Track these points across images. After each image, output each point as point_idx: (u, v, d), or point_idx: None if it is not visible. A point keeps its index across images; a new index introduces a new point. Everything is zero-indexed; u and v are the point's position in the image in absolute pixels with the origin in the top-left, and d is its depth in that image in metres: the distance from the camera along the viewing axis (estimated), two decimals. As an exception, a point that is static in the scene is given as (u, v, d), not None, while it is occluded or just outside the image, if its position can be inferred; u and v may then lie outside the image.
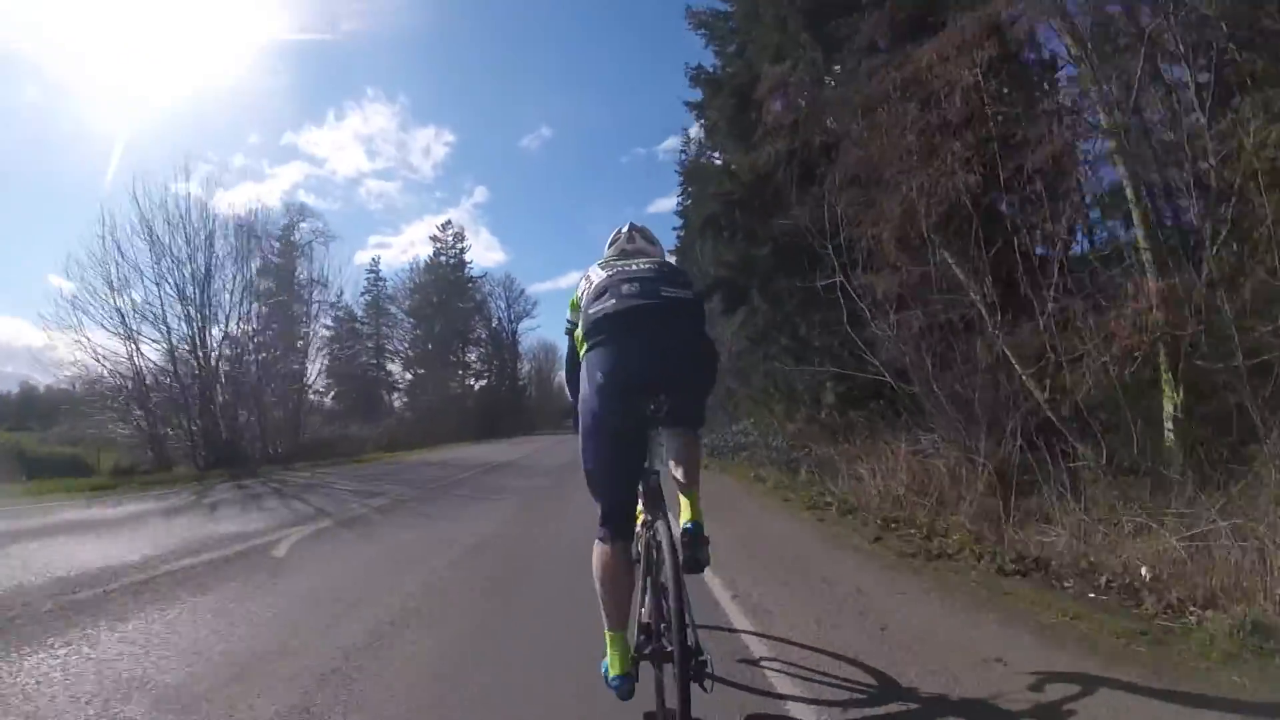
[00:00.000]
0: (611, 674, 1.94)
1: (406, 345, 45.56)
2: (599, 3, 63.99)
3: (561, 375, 2.79)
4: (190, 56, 36.00)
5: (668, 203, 70.37)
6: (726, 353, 13.19)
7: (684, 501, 2.24)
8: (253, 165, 51.76)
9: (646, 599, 2.04)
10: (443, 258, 48.85)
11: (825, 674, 2.61)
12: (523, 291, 55.48)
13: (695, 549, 2.09)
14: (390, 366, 45.02)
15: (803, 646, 2.91)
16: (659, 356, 1.91)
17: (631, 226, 2.49)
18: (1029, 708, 2.28)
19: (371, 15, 39.00)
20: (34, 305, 42.72)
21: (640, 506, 2.11)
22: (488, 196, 71.99)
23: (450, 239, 49.73)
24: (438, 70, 66.99)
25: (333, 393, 35.01)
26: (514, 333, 53.50)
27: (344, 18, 36.85)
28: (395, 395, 43.63)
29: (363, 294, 42.09)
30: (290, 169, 63.67)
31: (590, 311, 1.98)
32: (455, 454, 20.36)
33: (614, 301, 1.95)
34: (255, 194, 60.43)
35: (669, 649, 1.78)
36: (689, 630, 1.74)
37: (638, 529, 2.13)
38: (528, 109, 71.44)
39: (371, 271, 45.18)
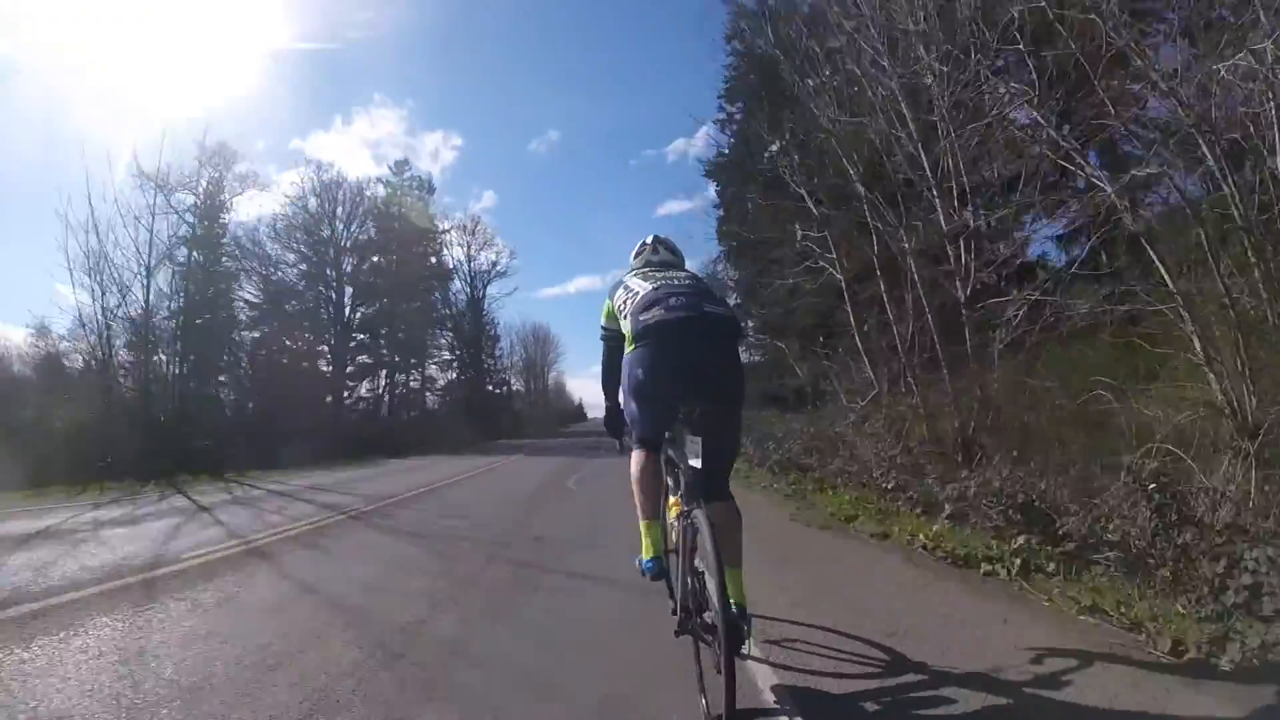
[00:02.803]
0: (645, 558, 2.25)
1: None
2: (607, 5, 65.76)
3: (596, 373, 2.86)
4: (194, 63, 34.75)
5: (677, 205, 73.52)
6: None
7: (728, 578, 2.07)
8: (258, 171, 49.34)
9: (684, 581, 2.22)
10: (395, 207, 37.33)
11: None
12: (491, 239, 43.34)
13: (737, 631, 2.02)
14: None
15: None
16: (696, 367, 2.20)
17: (655, 239, 2.76)
18: None
19: (378, 20, 37.86)
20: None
21: (676, 498, 2.37)
22: (496, 201, 72.24)
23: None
24: (445, 74, 67.43)
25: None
26: (481, 298, 41.18)
27: (350, 25, 35.12)
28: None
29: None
30: (297, 175, 61.16)
31: (640, 317, 2.26)
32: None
33: (663, 312, 2.23)
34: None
35: (710, 623, 2.01)
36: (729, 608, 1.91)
37: (672, 520, 2.40)
38: (536, 112, 73.24)
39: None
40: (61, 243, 16.95)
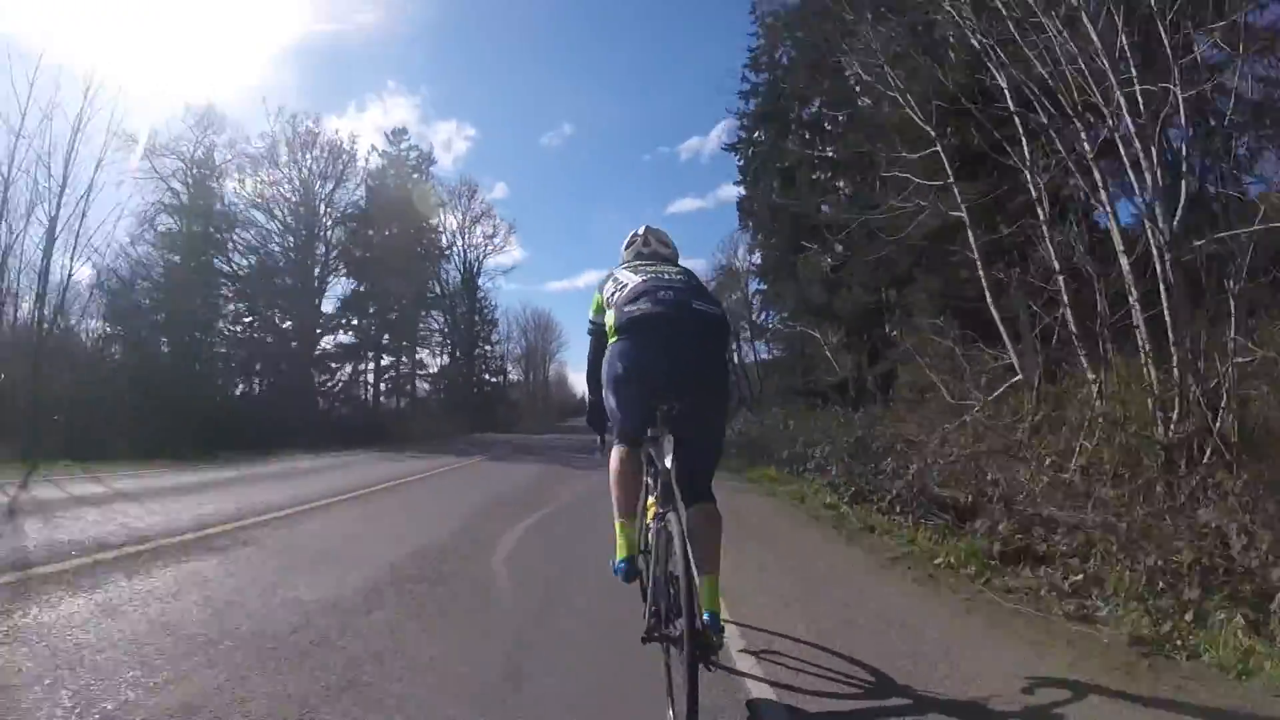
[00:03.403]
0: (618, 558, 2.16)
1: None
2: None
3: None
4: (201, 50, 33.82)
5: (689, 203, 70.58)
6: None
7: (703, 584, 1.98)
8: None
9: (655, 586, 2.11)
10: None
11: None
12: (488, 210, 38.52)
13: (708, 642, 1.91)
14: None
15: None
16: (678, 365, 2.08)
17: (647, 229, 2.65)
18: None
19: (392, 7, 38.19)
20: None
21: (652, 500, 2.21)
22: (507, 193, 70.58)
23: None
24: (459, 63, 66.38)
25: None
26: (475, 274, 36.72)
27: (363, 9, 33.10)
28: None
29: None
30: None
31: (626, 309, 2.15)
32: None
33: (650, 305, 2.12)
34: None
35: (676, 633, 1.88)
36: (697, 616, 1.82)
37: (649, 521, 2.22)
38: (550, 105, 71.61)
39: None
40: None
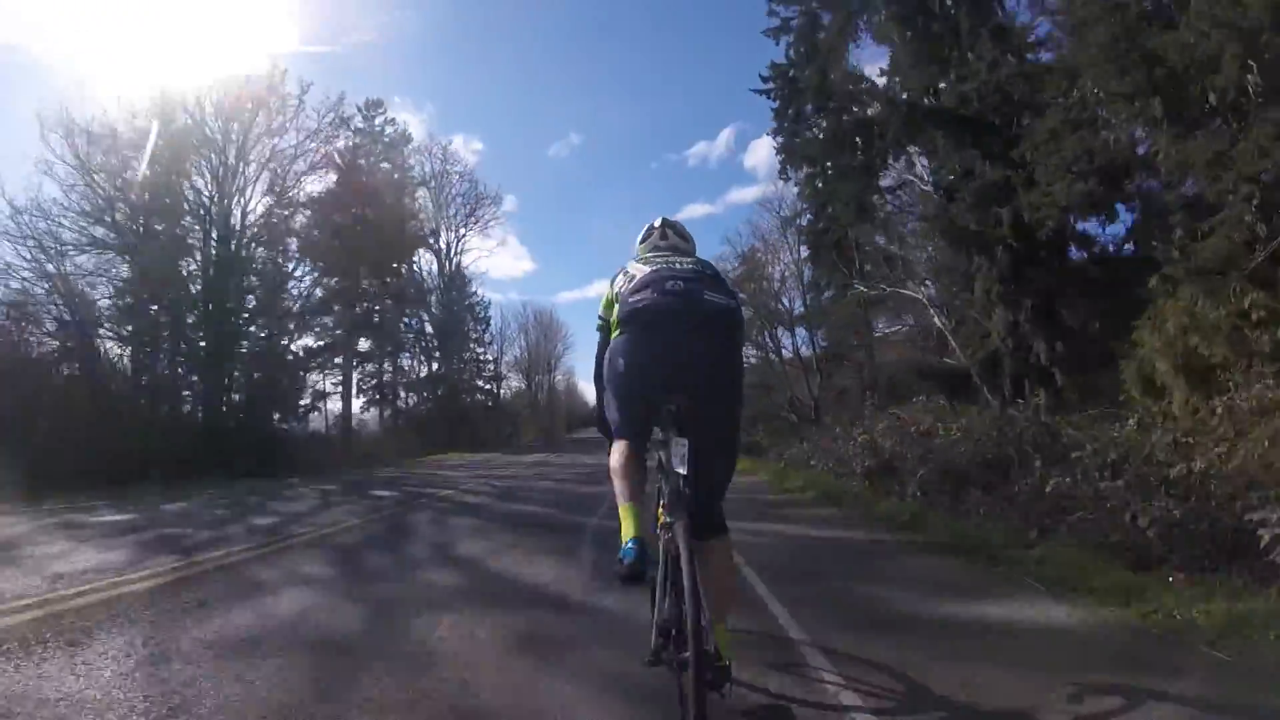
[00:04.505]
0: (625, 539, 1.87)
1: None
2: (629, 7, 64.06)
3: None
4: (201, 67, 28.50)
5: (699, 209, 71.03)
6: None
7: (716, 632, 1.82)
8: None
9: (665, 603, 1.91)
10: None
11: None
12: (470, 173, 35.22)
13: (710, 662, 1.67)
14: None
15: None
16: (686, 359, 1.91)
17: (664, 222, 2.46)
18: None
19: (394, 23, 38.35)
20: None
21: (660, 509, 2.10)
22: (516, 205, 70.30)
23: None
24: (464, 78, 66.30)
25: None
26: (455, 255, 30.01)
27: (365, 28, 33.65)
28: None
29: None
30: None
31: (630, 300, 1.99)
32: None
33: (655, 295, 1.96)
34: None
35: (686, 655, 1.65)
36: (706, 635, 1.62)
37: (657, 530, 2.05)
38: (557, 115, 71.70)
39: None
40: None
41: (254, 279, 19.71)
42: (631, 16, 67.62)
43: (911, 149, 12.32)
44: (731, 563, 2.08)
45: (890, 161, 13.32)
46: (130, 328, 15.13)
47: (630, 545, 1.84)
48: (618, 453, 2.04)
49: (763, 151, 74.40)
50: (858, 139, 13.55)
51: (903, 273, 13.85)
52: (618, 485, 2.01)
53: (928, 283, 14.80)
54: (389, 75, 59.22)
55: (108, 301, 15.07)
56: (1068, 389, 10.94)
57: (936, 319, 13.92)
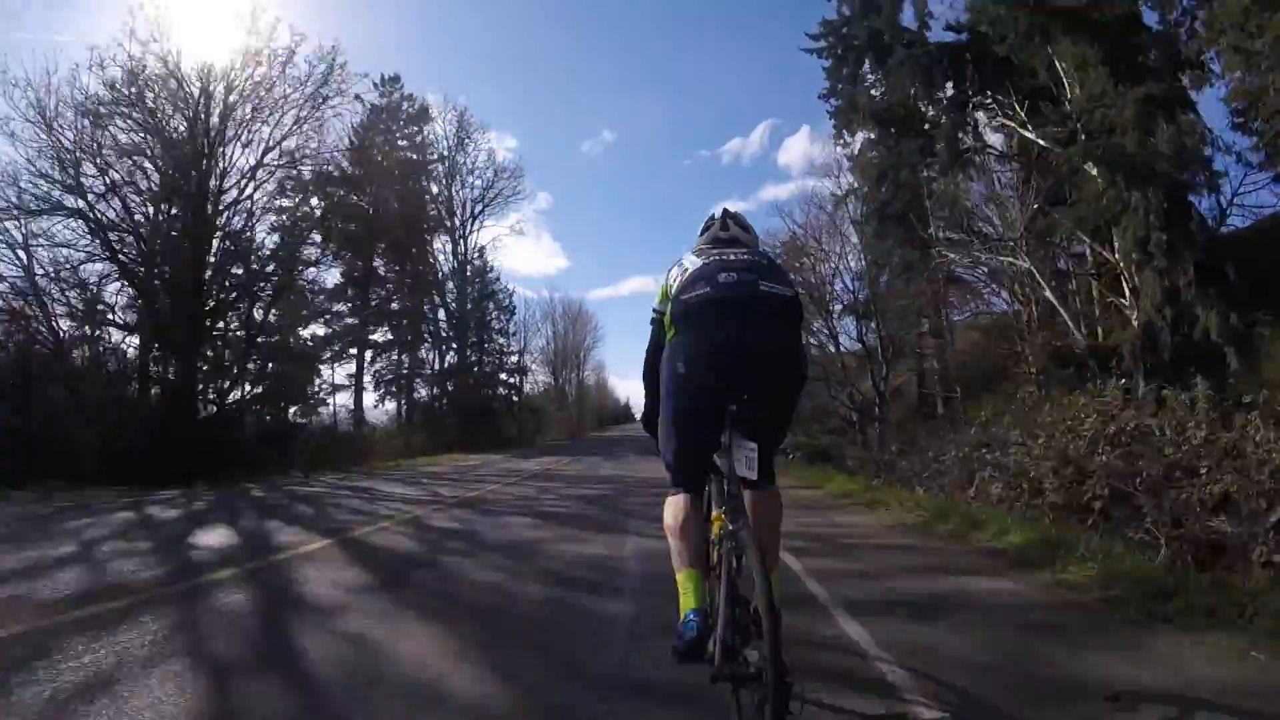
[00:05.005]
0: (683, 611, 1.76)
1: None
2: (663, 5, 61.96)
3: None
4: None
5: (732, 206, 71.65)
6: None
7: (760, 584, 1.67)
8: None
9: (721, 613, 1.74)
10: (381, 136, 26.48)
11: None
12: (490, 153, 33.15)
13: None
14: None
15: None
16: (746, 353, 1.84)
17: (725, 213, 2.35)
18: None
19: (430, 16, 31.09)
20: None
21: (719, 512, 1.96)
22: (550, 202, 71.35)
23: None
24: (498, 75, 67.56)
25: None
26: (468, 235, 27.38)
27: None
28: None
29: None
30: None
31: (682, 297, 1.93)
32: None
33: (709, 289, 1.89)
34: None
35: (751, 669, 1.57)
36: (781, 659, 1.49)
37: (713, 538, 1.98)
38: (589, 113, 76.32)
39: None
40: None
41: (229, 243, 16.83)
42: (667, 12, 67.11)
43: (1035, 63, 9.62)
44: (780, 509, 2.01)
45: (991, 94, 10.68)
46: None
47: (691, 617, 1.73)
48: (676, 508, 1.96)
49: (796, 149, 71.73)
50: (949, 68, 10.88)
51: (1005, 232, 11.13)
52: (675, 547, 1.91)
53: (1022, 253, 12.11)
54: (419, 75, 58.85)
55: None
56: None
57: (1046, 291, 11.21)
